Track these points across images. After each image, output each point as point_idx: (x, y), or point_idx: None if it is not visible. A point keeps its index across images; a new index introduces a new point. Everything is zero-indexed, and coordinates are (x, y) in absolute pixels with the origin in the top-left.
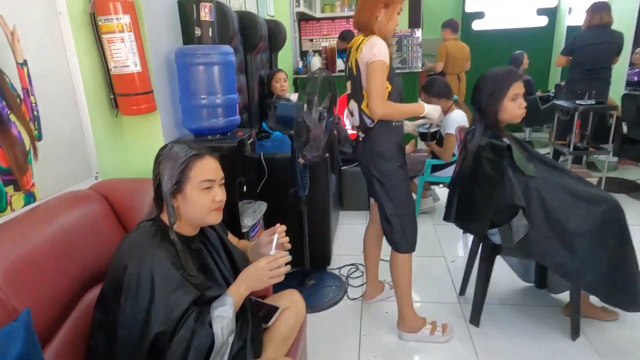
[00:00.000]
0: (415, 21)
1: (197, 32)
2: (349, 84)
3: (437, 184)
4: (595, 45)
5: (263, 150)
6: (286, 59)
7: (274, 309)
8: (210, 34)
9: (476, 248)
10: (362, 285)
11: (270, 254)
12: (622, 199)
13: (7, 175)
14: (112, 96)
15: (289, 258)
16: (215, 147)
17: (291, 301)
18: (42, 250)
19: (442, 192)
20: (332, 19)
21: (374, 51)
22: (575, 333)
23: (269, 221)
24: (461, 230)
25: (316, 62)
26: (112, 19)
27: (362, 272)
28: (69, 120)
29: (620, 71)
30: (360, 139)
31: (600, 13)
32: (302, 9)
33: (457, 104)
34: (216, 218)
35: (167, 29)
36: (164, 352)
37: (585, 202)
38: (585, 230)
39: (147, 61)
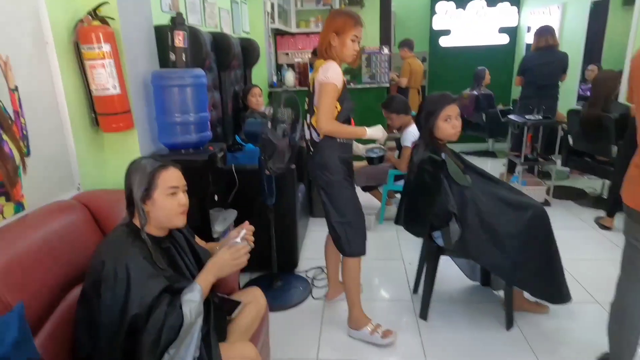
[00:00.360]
0: (386, 38)
1: (172, 57)
2: (307, 100)
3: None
4: (543, 65)
5: (236, 162)
6: (261, 73)
7: (238, 303)
8: (184, 59)
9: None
10: (326, 286)
11: (236, 241)
12: (569, 206)
13: None
14: (93, 115)
15: (249, 249)
16: (188, 160)
17: (253, 297)
18: (31, 253)
19: None
20: (307, 34)
21: (327, 74)
22: (509, 324)
23: None
24: None
25: (290, 77)
26: (94, 47)
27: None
28: (55, 137)
29: (572, 87)
30: (310, 152)
31: (545, 36)
32: (277, 25)
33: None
34: (182, 221)
35: (145, 53)
36: (140, 332)
37: (515, 209)
38: (515, 233)
39: (126, 83)
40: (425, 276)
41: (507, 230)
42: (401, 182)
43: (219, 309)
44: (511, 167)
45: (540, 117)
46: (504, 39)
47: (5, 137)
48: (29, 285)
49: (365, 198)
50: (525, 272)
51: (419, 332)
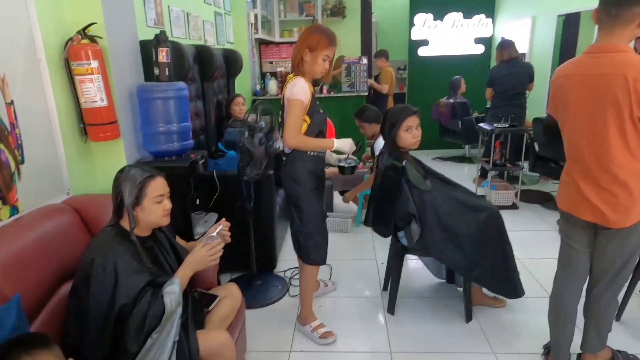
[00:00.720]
0: (367, 49)
1: (156, 71)
2: (280, 112)
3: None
4: (508, 75)
5: (218, 168)
6: (245, 82)
7: (215, 296)
8: (167, 73)
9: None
10: None
11: (212, 235)
12: (535, 209)
13: None
14: (82, 126)
15: (223, 245)
16: (171, 167)
17: (229, 291)
18: (26, 251)
19: None
20: (291, 43)
21: (294, 90)
22: (468, 317)
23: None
24: None
25: (273, 85)
26: (83, 64)
27: None
28: (47, 146)
29: (541, 95)
30: (284, 160)
31: (507, 49)
32: (261, 35)
33: None
34: (166, 221)
35: (131, 67)
36: (126, 321)
37: (471, 211)
38: (471, 233)
39: (113, 96)
40: (391, 273)
41: (465, 231)
42: None
43: (198, 301)
44: (484, 173)
45: (507, 125)
46: (480, 49)
47: (2, 146)
48: (25, 279)
49: (342, 201)
50: (482, 269)
51: (386, 326)
